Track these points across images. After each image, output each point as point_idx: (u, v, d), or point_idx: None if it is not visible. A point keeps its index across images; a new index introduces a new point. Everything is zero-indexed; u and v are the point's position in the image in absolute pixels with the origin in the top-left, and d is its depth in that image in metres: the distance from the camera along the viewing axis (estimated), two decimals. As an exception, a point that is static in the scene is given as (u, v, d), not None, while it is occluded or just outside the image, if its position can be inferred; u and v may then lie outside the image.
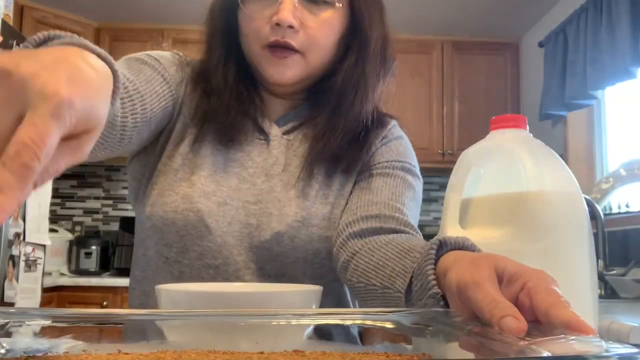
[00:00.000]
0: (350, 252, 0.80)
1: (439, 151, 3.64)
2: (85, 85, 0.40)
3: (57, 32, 0.56)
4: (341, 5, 0.86)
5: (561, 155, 0.75)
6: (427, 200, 3.99)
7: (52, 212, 3.10)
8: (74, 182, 3.89)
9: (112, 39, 3.64)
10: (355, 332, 0.77)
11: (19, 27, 3.25)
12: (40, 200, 2.59)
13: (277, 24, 0.82)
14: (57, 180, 3.62)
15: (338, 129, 0.88)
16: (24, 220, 2.44)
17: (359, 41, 0.89)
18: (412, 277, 0.63)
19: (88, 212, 3.90)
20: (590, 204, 1.97)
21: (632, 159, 2.47)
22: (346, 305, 0.95)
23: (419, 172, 0.95)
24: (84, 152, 0.42)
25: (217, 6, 0.91)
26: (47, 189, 2.67)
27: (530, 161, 0.71)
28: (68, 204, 3.88)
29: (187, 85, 0.92)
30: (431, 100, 3.69)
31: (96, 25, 3.63)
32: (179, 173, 0.87)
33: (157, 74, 0.86)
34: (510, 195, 0.71)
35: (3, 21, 2.25)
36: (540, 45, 3.27)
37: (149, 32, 3.63)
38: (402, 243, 0.71)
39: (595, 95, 2.80)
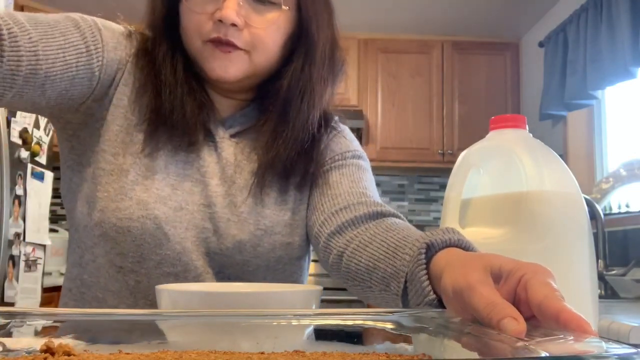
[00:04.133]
0: (336, 252, 0.78)
1: (439, 151, 3.64)
2: None
3: None
4: (287, 8, 0.83)
5: (561, 155, 0.75)
6: (427, 200, 3.99)
7: (52, 212, 3.10)
8: (74, 182, 3.89)
9: (112, 39, 3.63)
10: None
11: (19, 27, 3.24)
12: (40, 200, 2.59)
13: (220, 21, 0.78)
14: (57, 180, 3.62)
15: (286, 137, 0.85)
16: (24, 220, 2.44)
17: (305, 44, 0.86)
18: (406, 280, 0.62)
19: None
20: (590, 204, 1.97)
21: (632, 159, 2.47)
22: None
23: (366, 156, 0.96)
24: None
25: None
26: (47, 189, 2.67)
27: (530, 161, 0.71)
28: (68, 204, 3.88)
29: (128, 67, 0.86)
30: (431, 100, 3.69)
31: (96, 25, 3.64)
32: (130, 175, 0.81)
33: (81, 42, 0.78)
34: (510, 195, 0.72)
35: (3, 21, 2.25)
36: (540, 45, 3.27)
37: (149, 32, 3.62)
38: (387, 239, 0.69)
39: (595, 95, 2.80)
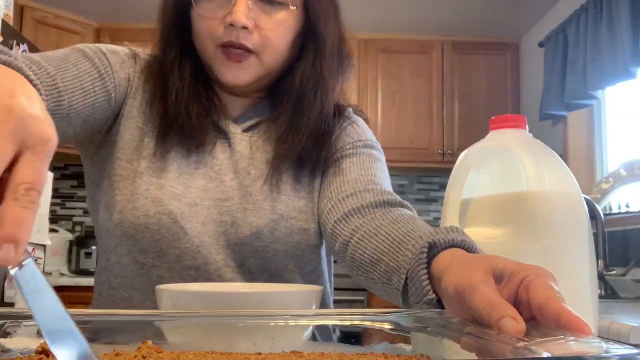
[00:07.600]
0: (342, 241, 0.79)
1: (439, 151, 3.64)
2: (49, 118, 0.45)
3: None
4: (295, 7, 0.86)
5: (561, 155, 0.75)
6: (427, 200, 3.99)
7: (52, 212, 3.10)
8: (74, 182, 3.89)
9: (112, 39, 3.63)
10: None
11: (19, 27, 3.24)
12: (40, 200, 2.59)
13: (231, 25, 0.81)
14: (57, 180, 3.62)
15: (301, 129, 0.88)
16: (23, 220, 2.43)
17: (314, 41, 0.89)
18: (407, 277, 0.63)
19: (88, 212, 3.89)
20: (590, 204, 1.97)
21: (632, 159, 2.47)
22: (325, 298, 0.96)
23: (380, 147, 0.97)
24: None
25: (168, 3, 0.90)
26: (47, 189, 2.67)
27: (530, 161, 0.71)
28: (68, 204, 3.88)
29: (135, 82, 0.90)
30: (431, 100, 3.69)
31: (96, 25, 3.63)
32: (144, 177, 0.85)
33: (93, 69, 0.83)
34: (510, 195, 0.71)
35: (3, 21, 2.25)
36: (540, 45, 3.27)
37: (149, 32, 3.60)
38: (392, 232, 0.70)
39: (595, 95, 2.80)
